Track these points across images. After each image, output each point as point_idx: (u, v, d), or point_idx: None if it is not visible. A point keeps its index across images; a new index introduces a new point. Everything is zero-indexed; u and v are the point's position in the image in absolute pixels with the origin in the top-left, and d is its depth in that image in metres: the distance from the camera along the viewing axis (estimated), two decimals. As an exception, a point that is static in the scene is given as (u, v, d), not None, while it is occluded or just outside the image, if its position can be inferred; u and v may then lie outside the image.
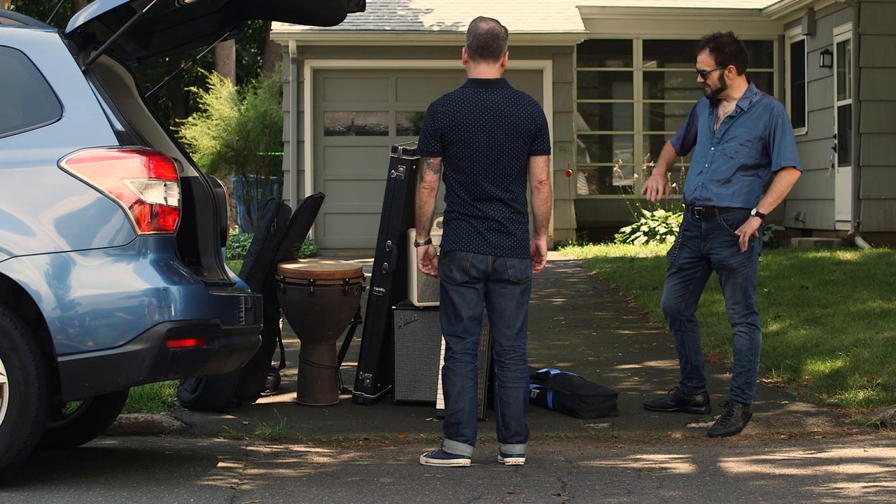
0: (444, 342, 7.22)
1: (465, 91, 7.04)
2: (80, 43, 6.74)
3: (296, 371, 9.04)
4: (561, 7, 19.90)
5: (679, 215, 18.90)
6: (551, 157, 7.66)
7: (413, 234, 8.66)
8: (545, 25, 19.37)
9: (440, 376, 7.63)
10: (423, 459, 7.13)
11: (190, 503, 6.15)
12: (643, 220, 18.90)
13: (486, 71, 7.04)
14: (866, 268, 13.88)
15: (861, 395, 8.50)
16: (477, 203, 6.99)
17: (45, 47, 6.63)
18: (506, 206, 7.02)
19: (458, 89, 7.06)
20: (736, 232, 7.93)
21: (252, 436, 7.97)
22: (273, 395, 9.10)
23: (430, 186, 7.05)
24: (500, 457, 7.15)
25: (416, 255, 7.44)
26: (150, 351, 6.30)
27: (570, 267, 16.37)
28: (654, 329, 11.60)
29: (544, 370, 8.82)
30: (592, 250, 18.01)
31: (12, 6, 30.12)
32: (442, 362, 7.30)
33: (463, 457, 7.03)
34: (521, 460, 7.09)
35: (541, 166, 7.07)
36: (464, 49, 7.11)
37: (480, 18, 7.12)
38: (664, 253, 17.20)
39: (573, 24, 19.35)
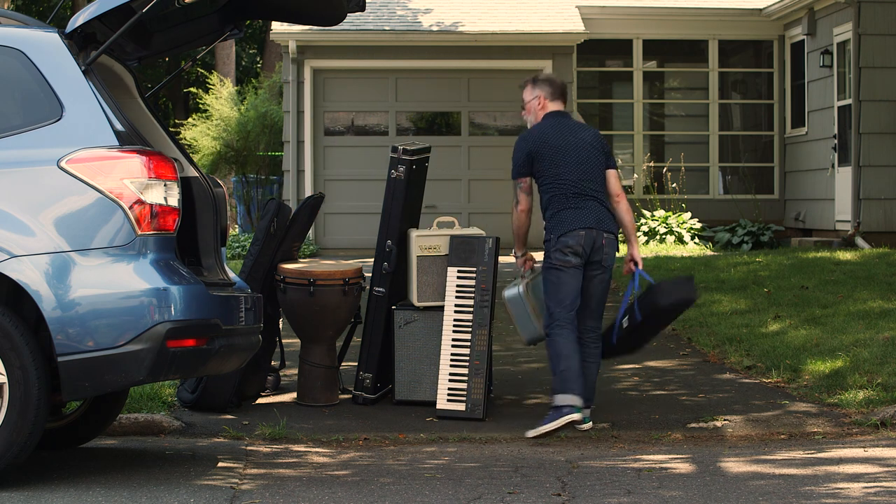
0: (546, 316, 8.04)
1: (546, 120, 8.22)
2: (80, 43, 6.74)
3: (296, 371, 9.04)
4: (561, 7, 19.88)
5: (679, 216, 18.90)
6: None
7: (413, 234, 8.67)
8: (545, 25, 19.35)
9: (548, 341, 8.05)
10: (530, 434, 7.84)
11: (190, 503, 6.15)
12: (643, 220, 18.89)
13: (559, 106, 8.27)
14: (866, 268, 13.87)
15: (861, 395, 8.50)
16: (575, 198, 8.00)
17: (45, 47, 6.63)
18: (598, 202, 8.07)
19: (539, 122, 8.23)
20: None
21: (252, 436, 7.97)
22: (273, 395, 9.10)
23: (525, 208, 8.15)
24: None
25: (516, 264, 8.46)
26: (150, 351, 6.30)
27: (570, 267, 16.33)
28: (654, 329, 11.58)
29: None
30: (592, 250, 17.96)
31: (12, 6, 30.14)
32: (545, 332, 8.09)
33: (573, 409, 7.79)
34: (585, 425, 8.00)
35: (613, 181, 8.20)
36: (541, 96, 8.25)
37: (547, 75, 8.47)
38: (664, 253, 17.22)
39: (573, 24, 19.34)
